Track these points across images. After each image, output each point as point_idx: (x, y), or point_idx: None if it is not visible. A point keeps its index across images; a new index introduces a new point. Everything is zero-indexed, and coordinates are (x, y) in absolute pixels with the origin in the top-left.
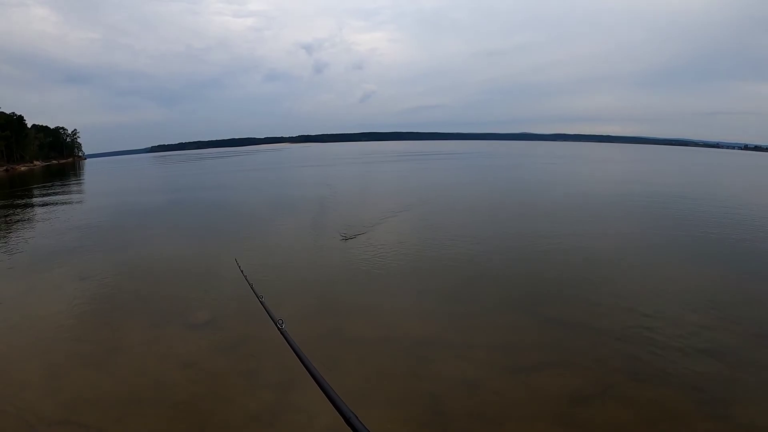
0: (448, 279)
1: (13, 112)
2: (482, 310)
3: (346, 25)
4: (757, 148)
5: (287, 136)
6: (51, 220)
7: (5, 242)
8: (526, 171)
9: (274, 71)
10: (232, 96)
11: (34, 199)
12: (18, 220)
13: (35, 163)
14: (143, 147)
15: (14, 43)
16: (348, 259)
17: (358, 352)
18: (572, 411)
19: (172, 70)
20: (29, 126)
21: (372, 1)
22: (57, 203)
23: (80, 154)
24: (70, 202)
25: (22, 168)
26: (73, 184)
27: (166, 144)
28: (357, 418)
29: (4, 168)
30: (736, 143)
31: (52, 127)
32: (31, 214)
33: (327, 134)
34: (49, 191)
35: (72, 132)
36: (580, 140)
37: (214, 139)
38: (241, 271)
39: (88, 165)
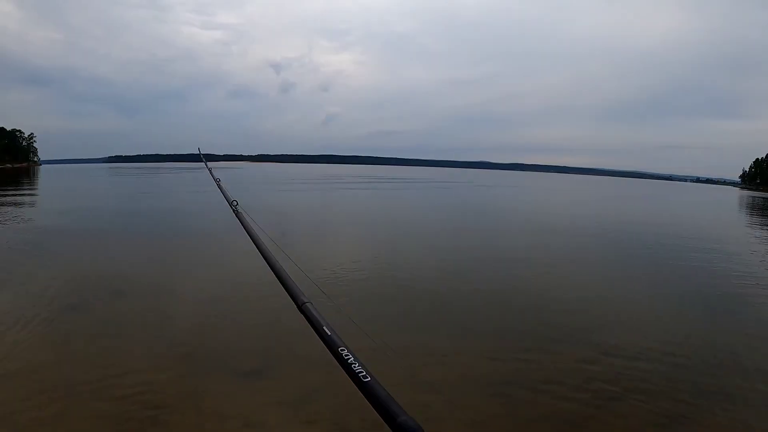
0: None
1: None
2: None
3: (316, 46)
4: (708, 181)
5: (246, 154)
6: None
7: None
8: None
9: (239, 87)
10: (194, 110)
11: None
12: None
13: None
14: (100, 156)
15: None
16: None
17: None
18: None
19: (134, 78)
20: None
21: (342, 21)
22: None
23: (35, 159)
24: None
25: None
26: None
27: (124, 155)
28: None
29: None
30: (689, 176)
31: (8, 129)
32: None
33: (287, 154)
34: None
35: (29, 136)
36: (536, 170)
37: (173, 153)
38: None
39: (44, 171)
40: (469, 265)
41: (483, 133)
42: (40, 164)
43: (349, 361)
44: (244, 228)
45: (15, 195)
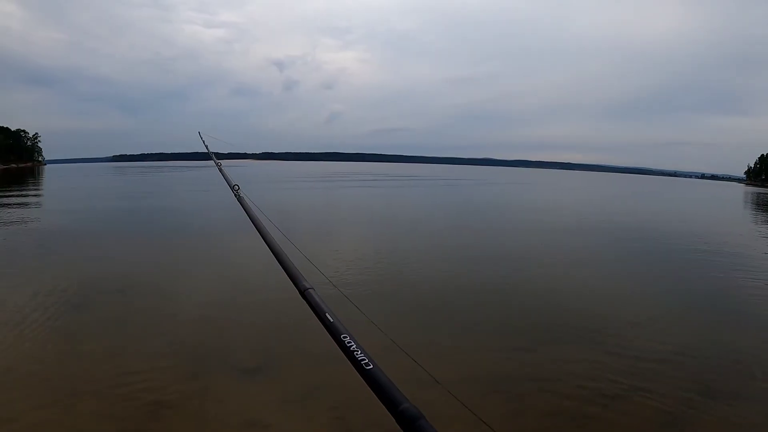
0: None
1: None
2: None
3: (319, 43)
4: (713, 177)
5: (251, 152)
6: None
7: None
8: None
9: (242, 85)
10: (197, 109)
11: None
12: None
13: None
14: (104, 156)
15: None
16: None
17: None
18: None
19: (137, 77)
20: None
21: (345, 18)
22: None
23: (40, 159)
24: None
25: None
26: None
27: (128, 154)
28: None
29: None
30: (693, 172)
31: (13, 129)
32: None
33: (291, 152)
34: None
35: (33, 136)
36: (541, 167)
37: (177, 152)
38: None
39: (49, 171)
40: (480, 262)
41: (486, 130)
42: (45, 164)
43: (351, 348)
44: (246, 212)
45: (20, 196)
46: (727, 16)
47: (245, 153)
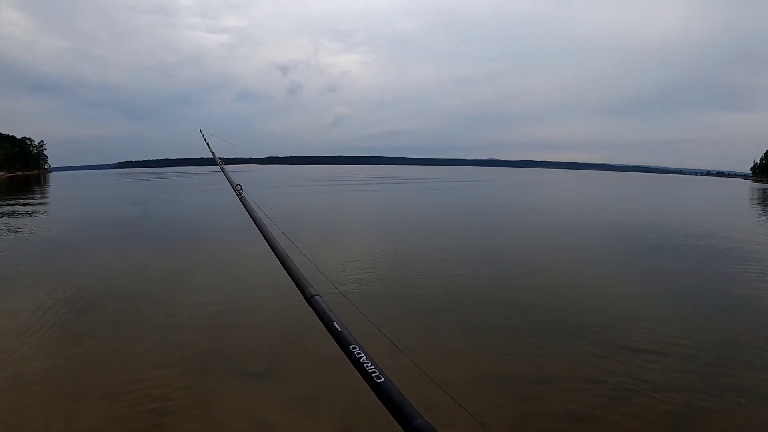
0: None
1: None
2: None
3: (322, 47)
4: (719, 174)
5: (255, 157)
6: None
7: None
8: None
9: (246, 90)
10: (202, 114)
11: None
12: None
13: None
14: (110, 162)
15: None
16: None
17: None
18: None
19: (142, 83)
20: None
21: (347, 22)
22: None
23: (46, 166)
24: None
25: None
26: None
27: (133, 161)
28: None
29: None
30: (699, 169)
31: (18, 138)
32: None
33: (296, 156)
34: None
35: (39, 143)
36: (546, 167)
37: (182, 157)
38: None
39: (55, 178)
40: (491, 263)
41: (490, 131)
42: (51, 171)
43: (361, 360)
44: (249, 214)
45: (26, 204)
46: (729, 14)
47: (250, 158)
